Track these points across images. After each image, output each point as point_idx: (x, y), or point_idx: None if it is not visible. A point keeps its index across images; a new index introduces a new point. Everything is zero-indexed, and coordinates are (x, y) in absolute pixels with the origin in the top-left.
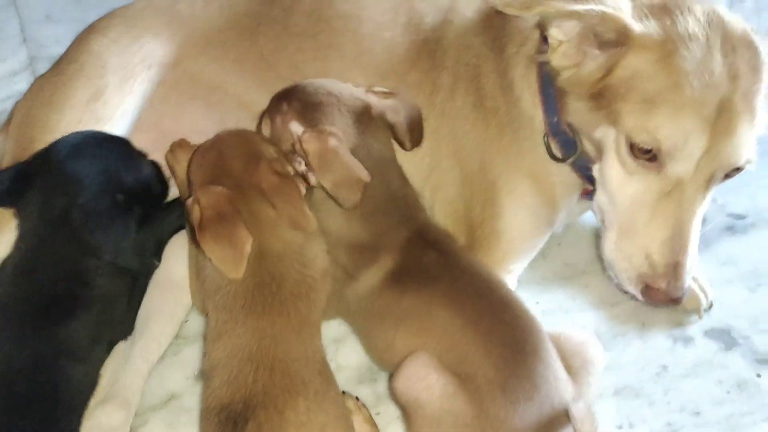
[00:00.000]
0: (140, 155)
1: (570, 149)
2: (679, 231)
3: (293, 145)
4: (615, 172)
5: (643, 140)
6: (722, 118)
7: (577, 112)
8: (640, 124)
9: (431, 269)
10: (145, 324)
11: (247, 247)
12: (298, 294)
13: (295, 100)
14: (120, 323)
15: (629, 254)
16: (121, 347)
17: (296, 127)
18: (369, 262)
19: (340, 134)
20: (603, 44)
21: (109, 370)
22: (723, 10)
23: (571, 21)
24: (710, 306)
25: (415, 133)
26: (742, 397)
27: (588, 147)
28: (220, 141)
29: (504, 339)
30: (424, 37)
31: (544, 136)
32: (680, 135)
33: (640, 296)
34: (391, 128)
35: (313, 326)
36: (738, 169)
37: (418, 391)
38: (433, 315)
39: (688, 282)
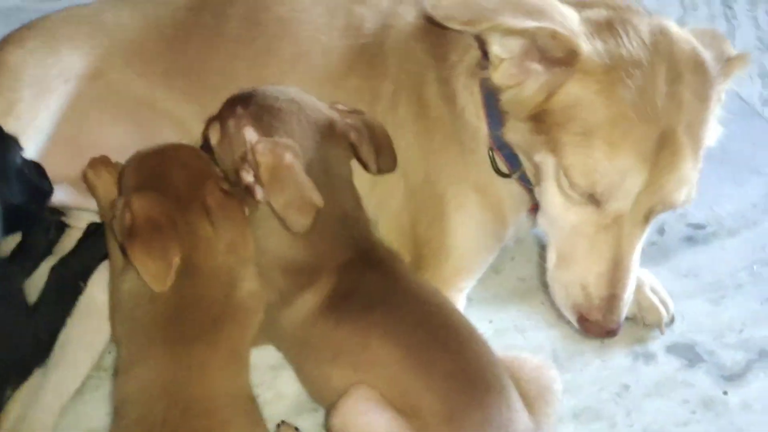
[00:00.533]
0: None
1: (515, 163)
2: (617, 265)
3: (244, 154)
4: (555, 200)
5: (579, 182)
6: (664, 153)
7: (517, 131)
8: (577, 160)
9: (371, 294)
10: (61, 353)
11: (176, 260)
12: (224, 318)
13: (253, 104)
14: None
15: (566, 282)
16: (32, 379)
17: (251, 134)
18: (306, 285)
19: (297, 149)
20: (548, 61)
21: (17, 405)
22: (671, 29)
23: (518, 38)
24: (672, 320)
25: (383, 157)
26: (708, 417)
27: (527, 168)
28: (166, 149)
29: (449, 368)
30: (364, 42)
31: (489, 150)
32: (617, 175)
33: (575, 324)
34: (353, 148)
35: (240, 359)
36: (680, 206)
37: (358, 428)
38: (371, 346)
39: (623, 315)
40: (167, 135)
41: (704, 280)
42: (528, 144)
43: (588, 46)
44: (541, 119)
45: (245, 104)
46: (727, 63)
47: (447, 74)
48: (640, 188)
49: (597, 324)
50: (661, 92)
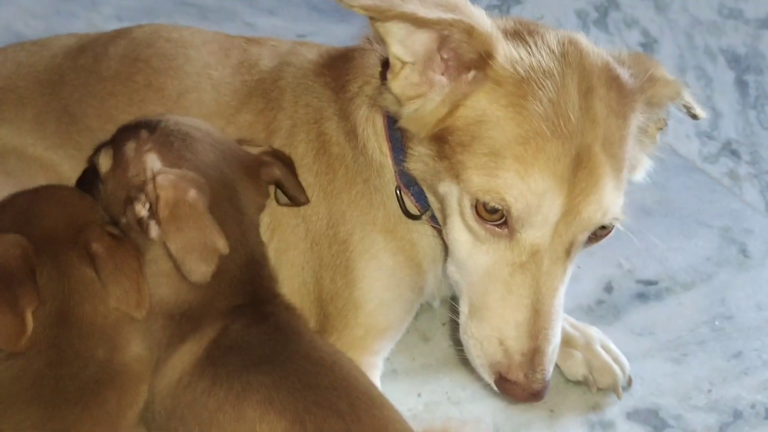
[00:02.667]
0: None
1: (426, 203)
2: (537, 312)
3: (142, 183)
4: (462, 239)
5: (489, 200)
6: (581, 173)
7: (419, 159)
8: (485, 182)
9: (255, 349)
10: None
11: (28, 316)
12: (103, 382)
13: (162, 129)
14: None
15: (481, 337)
16: None
17: (153, 162)
18: (189, 333)
19: (204, 185)
20: (454, 68)
21: None
22: (581, 41)
23: (424, 35)
24: (629, 382)
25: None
26: None
27: (433, 204)
28: (41, 189)
29: None
30: (259, 77)
31: (396, 188)
32: (532, 197)
33: (494, 387)
34: (279, 185)
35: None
36: (606, 231)
37: None
38: (246, 418)
39: (549, 373)
40: (39, 182)
41: (662, 338)
42: (431, 173)
43: (503, 49)
44: (443, 140)
45: (151, 128)
46: (647, 80)
47: (347, 107)
48: (558, 214)
49: (519, 385)
50: (574, 106)
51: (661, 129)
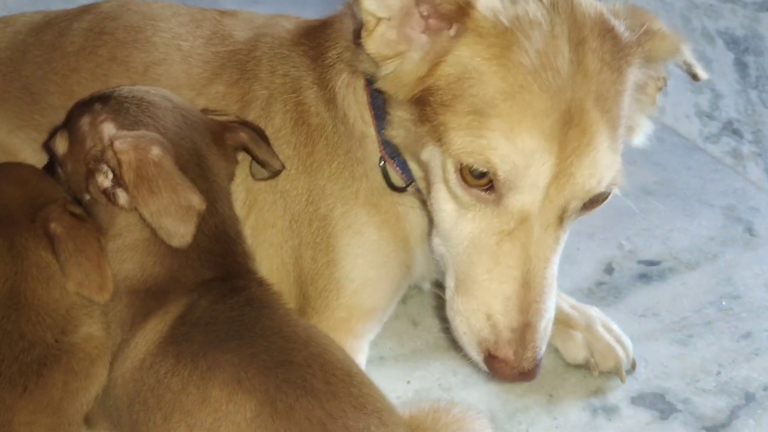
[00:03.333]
0: None
1: (411, 174)
2: (528, 284)
3: (100, 153)
4: (447, 208)
5: (473, 163)
6: (573, 131)
7: (400, 124)
8: (469, 143)
9: (224, 325)
10: None
11: None
12: (49, 364)
13: (115, 98)
14: None
15: (467, 314)
16: None
17: (109, 129)
18: (154, 310)
19: (166, 143)
20: (433, 21)
21: None
22: None
23: None
24: (633, 365)
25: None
26: None
27: (416, 173)
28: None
29: (316, 418)
30: (233, 48)
31: (379, 159)
32: (519, 157)
33: (482, 366)
34: (248, 151)
35: (58, 420)
36: (602, 197)
37: None
38: (212, 398)
39: (541, 351)
40: None
41: (666, 320)
42: (413, 139)
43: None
44: (425, 101)
45: (104, 100)
46: (644, 33)
47: (326, 74)
48: (548, 177)
49: (507, 363)
50: (564, 58)
51: (661, 89)
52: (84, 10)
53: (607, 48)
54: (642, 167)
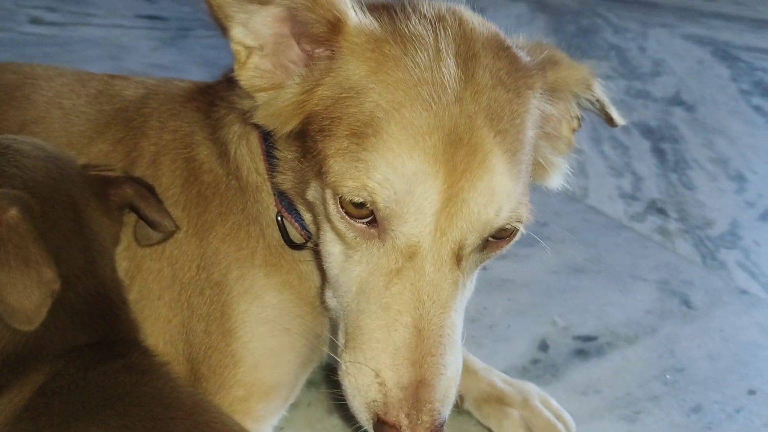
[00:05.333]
0: None
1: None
2: (420, 332)
3: None
4: (334, 251)
5: (349, 191)
6: (461, 151)
7: (287, 166)
8: (346, 169)
9: (88, 394)
10: None
11: None
12: None
13: None
14: None
15: (354, 371)
16: None
17: None
18: (7, 383)
19: (31, 205)
20: (310, 48)
21: None
22: (464, 11)
23: (267, 12)
24: None
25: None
26: None
27: (308, 222)
28: None
29: None
30: (120, 106)
31: (277, 215)
32: (400, 180)
33: None
34: (134, 208)
35: None
36: (505, 233)
37: None
38: None
39: (442, 413)
40: None
41: (609, 396)
42: (299, 178)
43: (355, 14)
44: (305, 133)
45: None
46: (548, 60)
47: (218, 127)
48: (435, 203)
49: (399, 430)
50: (450, 72)
51: (575, 129)
52: None
53: (501, 66)
54: (570, 246)
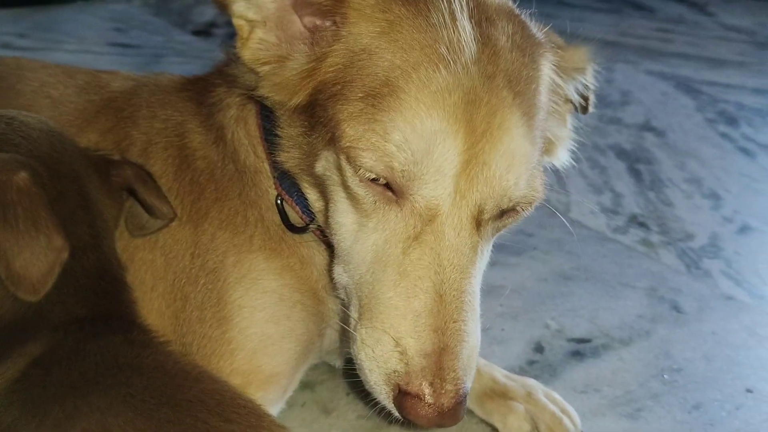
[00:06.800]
0: None
1: (312, 211)
2: (441, 297)
3: None
4: (347, 221)
5: (369, 163)
6: (481, 111)
7: (292, 143)
8: (362, 133)
9: (87, 366)
10: None
11: None
12: None
13: None
14: None
15: (371, 343)
16: None
17: None
18: (6, 352)
19: (39, 170)
20: (315, 20)
21: None
22: None
23: None
24: None
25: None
26: None
27: (314, 202)
28: None
29: None
30: (109, 97)
31: (276, 198)
32: (418, 140)
33: (395, 411)
34: (131, 191)
35: None
36: (520, 204)
37: None
38: None
39: (466, 385)
40: None
41: (610, 395)
42: (306, 153)
43: None
44: (314, 104)
45: None
46: (556, 43)
47: (212, 114)
48: (455, 164)
49: (423, 400)
50: (466, 32)
51: (569, 112)
52: None
53: (516, 30)
54: (556, 256)
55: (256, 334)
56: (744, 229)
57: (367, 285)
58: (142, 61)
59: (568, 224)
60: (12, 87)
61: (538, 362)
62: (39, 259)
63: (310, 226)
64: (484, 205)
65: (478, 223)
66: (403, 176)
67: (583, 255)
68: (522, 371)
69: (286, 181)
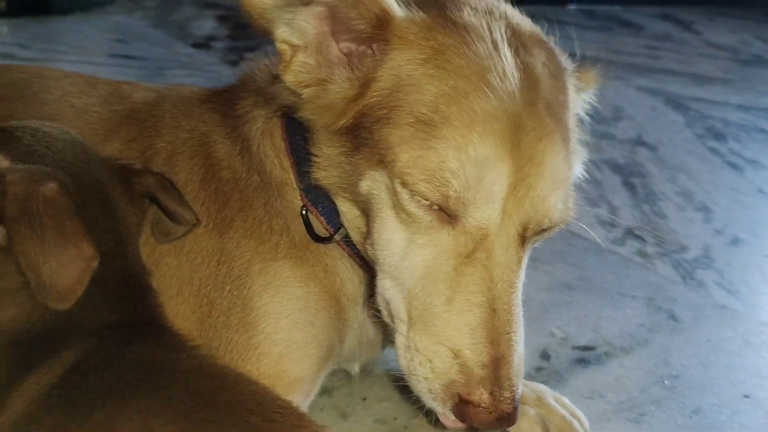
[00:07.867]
0: None
1: (336, 222)
2: (495, 311)
3: None
4: (395, 238)
5: (423, 189)
6: (527, 138)
7: (330, 163)
8: (416, 158)
9: (126, 369)
10: None
11: None
12: None
13: (4, 130)
14: None
15: (429, 355)
16: None
17: (1, 162)
18: (35, 361)
19: (68, 180)
20: (355, 46)
21: None
22: (506, 5)
23: (309, 10)
24: None
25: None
26: None
27: (350, 215)
28: None
29: None
30: (132, 107)
31: (302, 209)
32: (472, 166)
33: (452, 420)
34: (155, 200)
35: None
36: (557, 223)
37: None
38: None
39: (519, 389)
40: None
41: (614, 400)
42: (348, 172)
43: (401, 9)
44: (358, 126)
45: None
46: (573, 64)
47: (238, 125)
48: (504, 188)
49: (484, 406)
50: (507, 60)
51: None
52: None
53: (549, 57)
54: (559, 267)
55: (282, 340)
56: (735, 242)
57: (419, 298)
58: (146, 73)
59: (569, 236)
60: (35, 95)
61: (545, 369)
62: (68, 269)
63: (335, 236)
64: (528, 224)
65: (523, 239)
66: (457, 202)
67: (584, 266)
68: (529, 378)
69: (312, 193)
